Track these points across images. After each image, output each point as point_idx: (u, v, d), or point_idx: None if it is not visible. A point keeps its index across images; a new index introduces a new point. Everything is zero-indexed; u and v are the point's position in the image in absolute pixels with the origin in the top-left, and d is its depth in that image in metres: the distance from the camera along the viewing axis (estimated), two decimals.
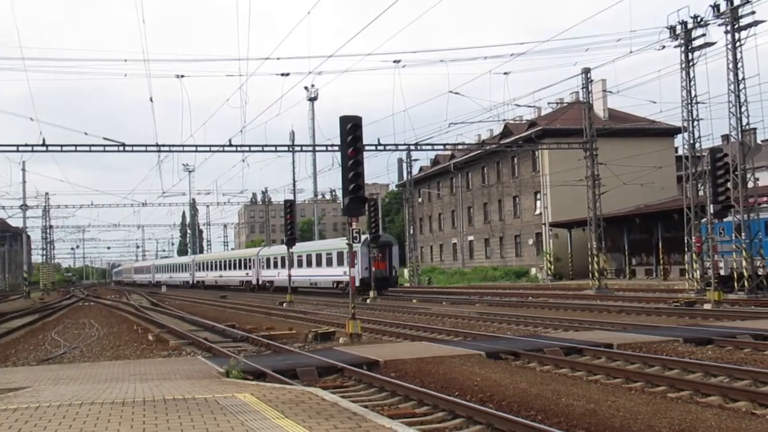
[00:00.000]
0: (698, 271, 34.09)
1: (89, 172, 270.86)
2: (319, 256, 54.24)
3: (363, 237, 48.67)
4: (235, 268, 74.21)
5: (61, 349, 20.18)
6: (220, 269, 78.87)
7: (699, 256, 33.93)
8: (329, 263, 51.97)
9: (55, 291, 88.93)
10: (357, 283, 46.57)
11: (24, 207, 65.31)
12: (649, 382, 11.65)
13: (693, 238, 34.65)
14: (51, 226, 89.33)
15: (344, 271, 46.14)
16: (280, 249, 61.93)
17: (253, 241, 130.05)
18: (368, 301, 38.49)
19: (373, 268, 44.43)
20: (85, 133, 47.77)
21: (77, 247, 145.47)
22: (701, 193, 35.52)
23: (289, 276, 41.94)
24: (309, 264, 55.43)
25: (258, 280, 66.31)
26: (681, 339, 16.23)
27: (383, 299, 40.30)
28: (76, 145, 36.38)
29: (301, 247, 56.98)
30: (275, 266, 62.54)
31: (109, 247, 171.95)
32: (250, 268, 69.00)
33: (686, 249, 36.55)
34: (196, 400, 9.90)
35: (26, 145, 35.94)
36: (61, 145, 36.27)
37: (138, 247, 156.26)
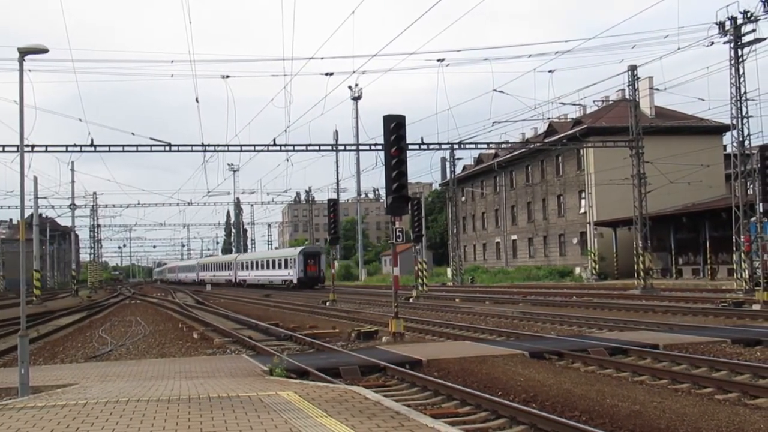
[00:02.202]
0: (747, 271, 33.50)
1: (136, 171, 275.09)
2: (273, 261, 74.64)
3: (299, 248, 70.24)
4: (222, 269, 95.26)
5: (108, 346, 20.49)
6: (215, 270, 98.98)
7: (748, 255, 33.35)
8: (280, 266, 70.86)
9: (103, 289, 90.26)
10: (295, 281, 65.01)
11: (72, 206, 66.34)
12: (696, 383, 11.48)
13: (742, 237, 34.07)
14: (98, 225, 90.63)
15: (288, 272, 68.68)
16: (251, 255, 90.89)
17: (296, 240, 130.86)
18: (411, 300, 38.47)
19: (307, 270, 59.59)
20: (132, 134, 48.71)
21: (124, 245, 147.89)
22: (750, 191, 34.91)
23: (333, 276, 42.16)
24: (268, 267, 76.06)
25: (236, 278, 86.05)
26: (729, 340, 15.97)
27: (426, 299, 40.24)
28: (123, 145, 36.97)
29: (261, 255, 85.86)
30: (247, 268, 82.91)
31: (155, 246, 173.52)
32: (231, 269, 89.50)
33: (735, 248, 35.96)
34: (240, 398, 9.99)
35: (75, 146, 36.62)
36: (109, 146, 36.87)
37: (183, 246, 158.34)
